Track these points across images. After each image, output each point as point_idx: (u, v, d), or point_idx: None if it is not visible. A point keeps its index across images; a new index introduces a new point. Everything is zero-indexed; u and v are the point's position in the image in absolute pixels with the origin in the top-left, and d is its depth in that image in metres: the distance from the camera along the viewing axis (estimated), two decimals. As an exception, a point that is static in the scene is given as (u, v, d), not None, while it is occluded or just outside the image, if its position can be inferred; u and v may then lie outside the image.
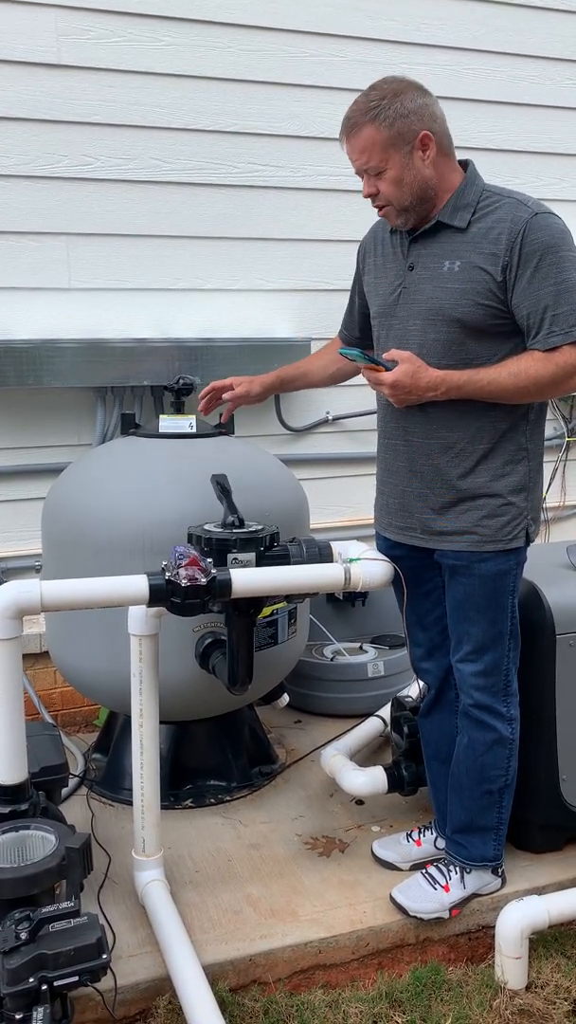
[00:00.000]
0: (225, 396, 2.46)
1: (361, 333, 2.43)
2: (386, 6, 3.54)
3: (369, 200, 2.12)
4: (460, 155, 2.12)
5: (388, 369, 2.01)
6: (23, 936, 1.70)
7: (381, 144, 1.99)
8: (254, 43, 3.38)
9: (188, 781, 2.81)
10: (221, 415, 2.61)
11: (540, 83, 3.84)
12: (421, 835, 2.47)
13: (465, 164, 2.11)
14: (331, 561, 2.27)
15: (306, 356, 3.42)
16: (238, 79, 3.38)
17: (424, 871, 2.33)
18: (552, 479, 4.09)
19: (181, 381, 2.89)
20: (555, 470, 4.11)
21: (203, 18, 3.29)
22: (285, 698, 3.02)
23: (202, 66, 3.32)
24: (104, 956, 1.73)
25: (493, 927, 2.20)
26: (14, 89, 3.10)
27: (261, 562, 2.26)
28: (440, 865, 2.33)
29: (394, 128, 1.99)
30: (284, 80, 3.44)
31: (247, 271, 3.50)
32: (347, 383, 3.29)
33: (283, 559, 2.27)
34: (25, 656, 3.18)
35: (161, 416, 2.83)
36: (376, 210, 2.13)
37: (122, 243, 3.32)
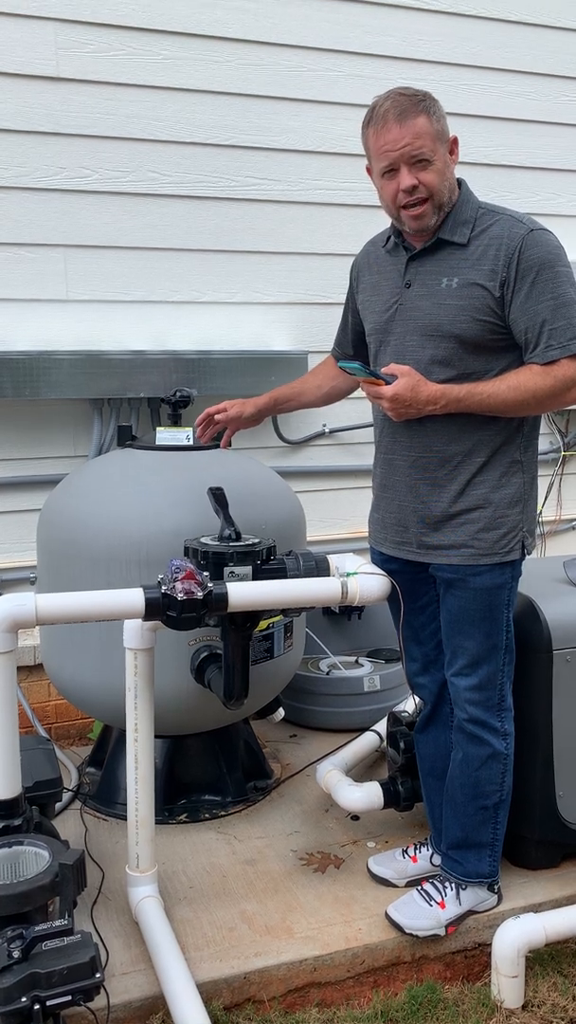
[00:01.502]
0: (217, 418, 2.43)
1: (354, 351, 2.44)
2: (383, 22, 3.56)
3: (393, 200, 2.04)
4: (456, 170, 2.13)
5: (388, 383, 2.01)
6: (16, 955, 1.68)
7: (432, 135, 2.00)
8: (252, 57, 3.40)
9: (183, 796, 2.79)
10: (220, 443, 2.59)
11: (535, 99, 3.86)
12: (417, 851, 2.46)
13: (459, 182, 2.12)
14: (328, 575, 2.26)
15: (302, 368, 3.44)
16: (236, 93, 3.39)
17: (420, 888, 2.31)
18: (548, 493, 4.10)
19: (178, 393, 2.89)
20: (551, 484, 4.11)
21: (201, 32, 3.31)
22: (280, 712, 3.01)
23: (200, 80, 3.33)
24: (97, 975, 1.71)
25: (489, 945, 2.19)
26: (13, 101, 3.11)
27: (258, 575, 2.25)
28: (436, 882, 2.31)
29: (440, 123, 2.03)
30: (282, 94, 3.46)
31: (244, 284, 3.51)
32: (344, 396, 3.27)
33: (280, 573, 2.26)
34: (19, 669, 3.16)
35: (158, 428, 2.82)
36: (400, 213, 2.05)
37: (119, 255, 3.32)
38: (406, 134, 1.98)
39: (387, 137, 1.99)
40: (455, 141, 2.07)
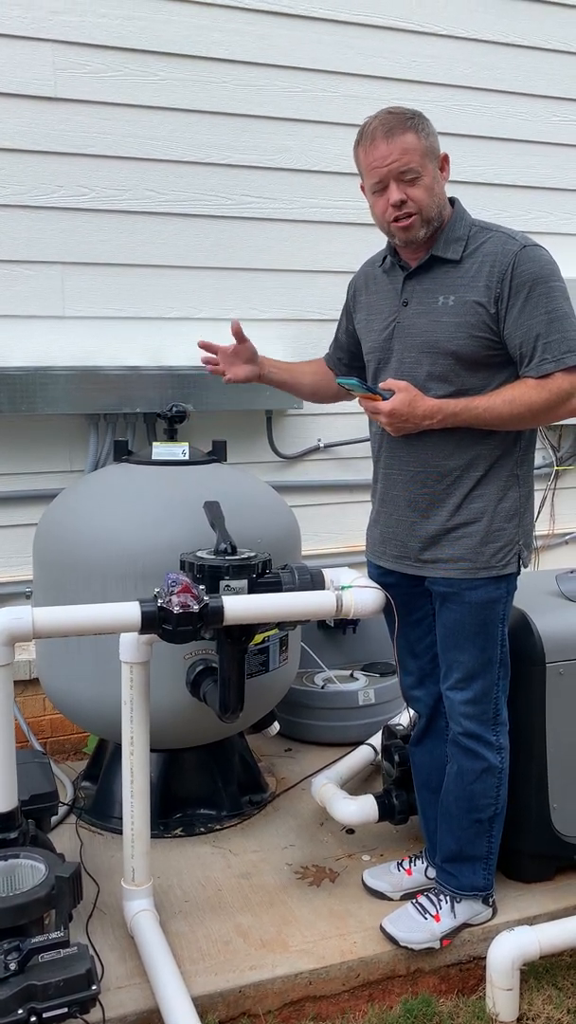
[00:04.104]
0: (215, 345, 2.41)
1: (346, 370, 2.46)
2: (377, 44, 3.61)
3: (383, 216, 2.08)
4: (450, 189, 2.16)
5: (385, 398, 2.04)
6: (12, 967, 1.68)
7: (421, 151, 2.04)
8: (248, 78, 3.44)
9: (178, 810, 2.79)
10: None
11: (528, 119, 3.92)
12: (412, 864, 2.46)
13: (452, 200, 2.16)
14: (323, 588, 2.28)
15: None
16: (232, 113, 3.43)
17: (415, 901, 2.32)
18: (541, 508, 4.12)
19: (174, 409, 2.91)
20: (544, 498, 4.14)
21: (198, 53, 3.35)
22: (276, 726, 3.02)
23: (196, 100, 3.38)
24: (93, 987, 1.71)
25: (484, 958, 2.19)
26: (11, 120, 3.15)
27: (253, 589, 2.26)
28: (431, 895, 2.32)
29: (429, 140, 2.06)
30: (277, 114, 3.50)
31: (239, 301, 3.54)
32: (338, 411, 3.30)
33: (275, 586, 2.28)
34: (15, 683, 3.17)
35: (154, 443, 2.84)
36: (390, 227, 2.09)
37: (116, 272, 3.35)
38: (393, 150, 2.02)
39: (375, 154, 2.04)
40: (446, 158, 2.11)
